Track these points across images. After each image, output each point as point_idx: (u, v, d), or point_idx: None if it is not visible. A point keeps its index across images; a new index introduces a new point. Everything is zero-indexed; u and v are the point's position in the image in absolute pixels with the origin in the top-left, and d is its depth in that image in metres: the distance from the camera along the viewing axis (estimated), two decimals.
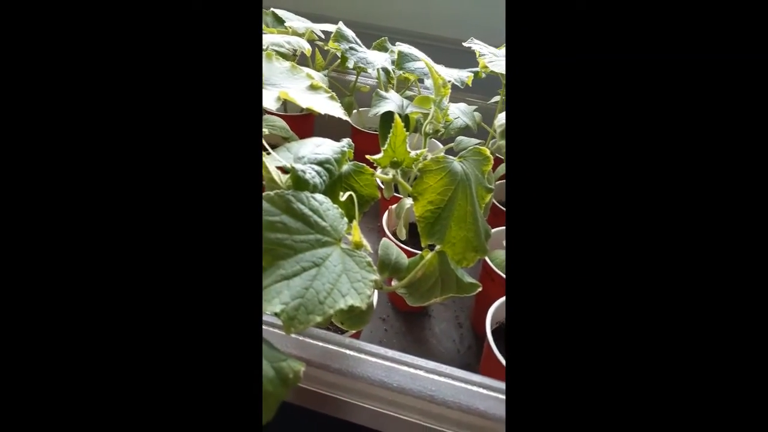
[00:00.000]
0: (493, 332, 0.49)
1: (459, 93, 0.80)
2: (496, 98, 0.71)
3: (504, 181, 0.70)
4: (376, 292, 0.44)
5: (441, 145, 0.74)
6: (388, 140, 0.38)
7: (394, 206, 0.54)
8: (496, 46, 0.72)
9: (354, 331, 0.40)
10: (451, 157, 0.42)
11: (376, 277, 0.29)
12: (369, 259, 0.30)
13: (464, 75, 0.51)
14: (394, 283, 0.44)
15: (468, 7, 0.99)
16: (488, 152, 0.44)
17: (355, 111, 0.79)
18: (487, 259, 0.53)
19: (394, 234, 0.56)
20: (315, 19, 0.79)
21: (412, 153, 0.40)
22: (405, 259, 0.45)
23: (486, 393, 0.30)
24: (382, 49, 0.74)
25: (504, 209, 0.64)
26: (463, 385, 0.30)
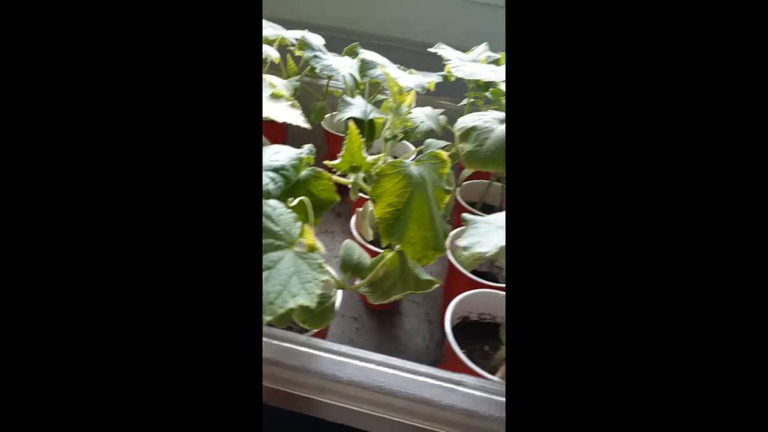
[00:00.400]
0: (456, 327, 0.51)
1: (431, 96, 0.82)
2: (465, 101, 0.74)
3: (470, 182, 0.73)
4: (339, 292, 0.45)
5: (413, 147, 0.76)
6: (344, 146, 0.40)
7: (360, 208, 0.56)
8: (470, 50, 0.75)
9: (316, 330, 0.42)
10: (407, 161, 0.44)
11: (326, 277, 0.31)
12: (321, 260, 0.32)
13: (425, 81, 0.53)
14: (357, 282, 0.46)
15: (448, 12, 1.01)
16: (445, 156, 0.46)
17: (327, 115, 0.80)
18: (450, 256, 0.55)
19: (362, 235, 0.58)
20: (291, 25, 0.81)
21: (369, 158, 0.41)
22: (367, 259, 0.46)
23: (432, 382, 0.32)
24: (353, 54, 0.76)
25: (472, 210, 0.66)
26: (411, 375, 0.32)
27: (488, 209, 0.71)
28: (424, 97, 0.85)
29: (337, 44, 0.81)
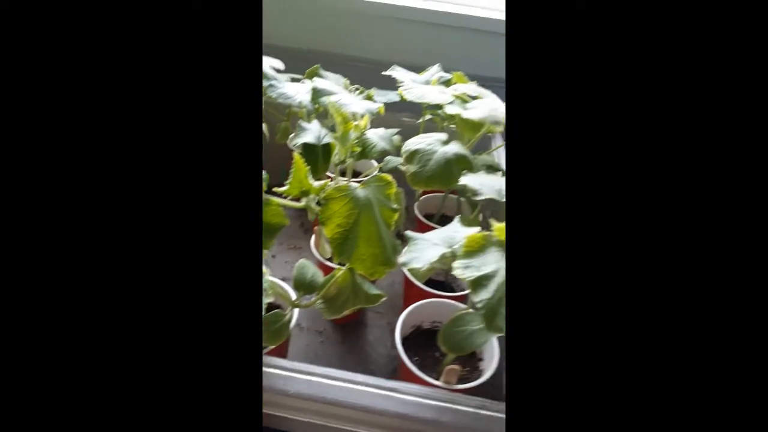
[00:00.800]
0: (409, 335, 0.54)
1: (393, 112, 0.86)
2: (422, 119, 0.77)
3: (428, 195, 0.77)
4: (296, 310, 0.48)
5: (376, 163, 0.80)
6: (291, 174, 0.43)
7: (317, 227, 0.59)
8: (425, 70, 0.79)
9: (272, 347, 0.45)
10: (354, 184, 0.47)
11: (269, 300, 0.34)
12: (265, 284, 0.35)
13: (374, 106, 0.57)
14: (312, 299, 0.49)
15: (414, 34, 1.05)
16: (389, 178, 0.49)
17: (291, 135, 0.83)
18: (405, 270, 0.59)
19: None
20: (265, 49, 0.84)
21: (316, 183, 0.45)
22: (320, 277, 0.49)
23: (371, 391, 0.35)
24: (315, 76, 0.79)
25: (428, 223, 0.70)
26: (350, 385, 0.35)
27: (446, 220, 0.74)
28: (387, 114, 0.89)
29: (309, 64, 0.83)
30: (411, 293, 0.59)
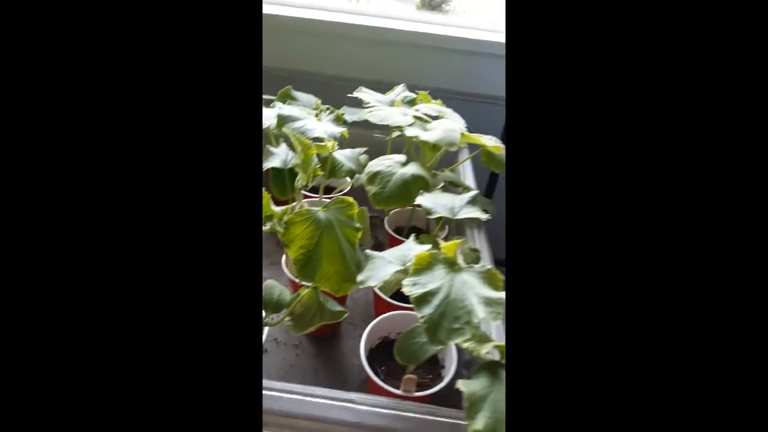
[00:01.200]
0: (377, 346, 0.58)
1: (362, 129, 0.89)
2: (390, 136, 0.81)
3: (398, 209, 0.80)
4: (266, 328, 0.51)
5: (349, 179, 0.83)
6: None
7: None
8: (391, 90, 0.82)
9: None
10: (315, 208, 0.50)
11: None
12: None
13: (338, 131, 0.60)
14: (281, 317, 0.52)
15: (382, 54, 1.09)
16: (351, 200, 0.52)
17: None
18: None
19: None
20: None
21: (278, 209, 0.48)
22: (288, 296, 0.52)
23: (329, 402, 0.38)
24: (287, 97, 0.83)
25: (398, 237, 0.73)
26: (309, 399, 0.38)
27: (416, 231, 0.78)
28: (359, 131, 0.92)
29: (282, 83, 0.86)
30: (380, 306, 0.62)
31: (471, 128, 0.79)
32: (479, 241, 0.64)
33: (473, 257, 0.54)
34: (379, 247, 0.84)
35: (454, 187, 0.71)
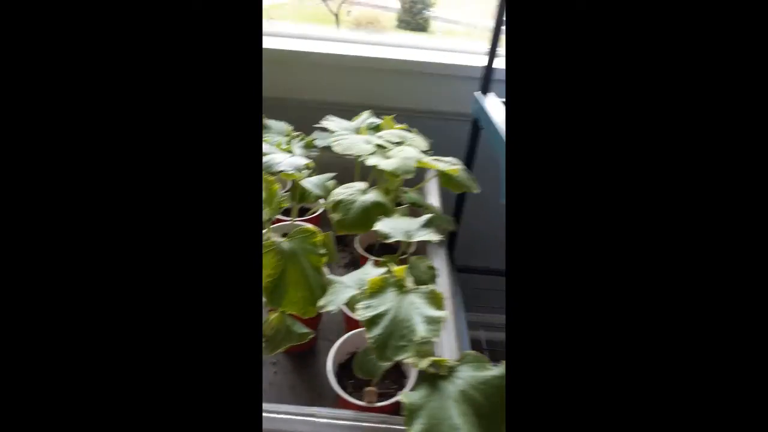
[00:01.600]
0: (345, 362, 0.62)
1: (331, 152, 0.94)
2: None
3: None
4: None
5: (322, 201, 0.88)
6: None
7: None
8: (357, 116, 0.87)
9: None
10: (279, 239, 0.55)
11: None
12: None
13: (302, 163, 0.65)
14: None
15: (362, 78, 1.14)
16: (313, 228, 0.57)
17: None
18: (342, 307, 0.67)
19: None
20: None
21: None
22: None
23: (292, 417, 0.42)
24: None
25: (369, 256, 0.78)
26: (274, 415, 0.42)
27: (386, 248, 0.83)
28: (331, 155, 0.97)
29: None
30: (349, 323, 0.67)
31: (438, 145, 0.85)
32: (438, 257, 0.69)
33: (430, 275, 0.59)
34: (355, 262, 0.89)
35: (417, 207, 0.76)
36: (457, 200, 1.06)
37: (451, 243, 1.09)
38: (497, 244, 1.18)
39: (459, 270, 1.08)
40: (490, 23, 0.89)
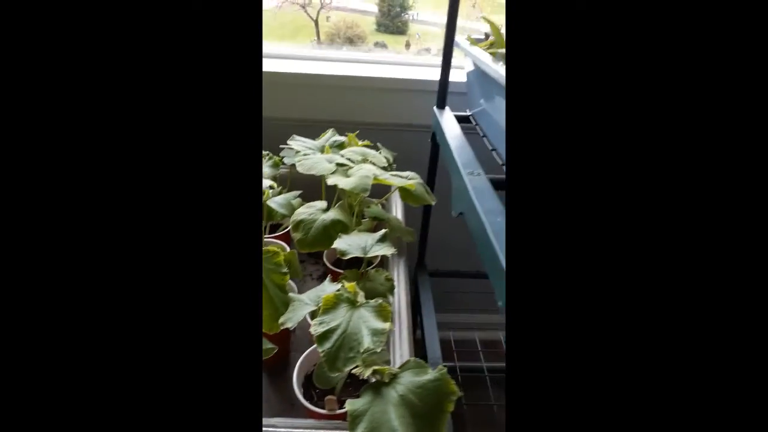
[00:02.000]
0: (310, 374, 0.66)
1: None
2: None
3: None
4: None
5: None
6: None
7: None
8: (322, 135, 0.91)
9: None
10: None
11: None
12: None
13: (266, 184, 0.69)
14: None
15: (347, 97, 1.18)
16: (275, 248, 0.61)
17: None
18: (307, 318, 0.70)
19: None
20: None
21: None
22: None
23: None
24: None
25: (336, 270, 0.82)
26: None
27: (354, 260, 0.86)
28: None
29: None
30: None
31: (407, 157, 0.88)
32: (399, 267, 0.73)
33: (388, 286, 0.62)
34: (326, 275, 0.93)
35: (380, 221, 0.80)
36: (424, 209, 1.10)
37: (422, 249, 1.13)
38: (464, 249, 1.22)
39: (430, 274, 1.12)
40: (467, 24, 0.91)
